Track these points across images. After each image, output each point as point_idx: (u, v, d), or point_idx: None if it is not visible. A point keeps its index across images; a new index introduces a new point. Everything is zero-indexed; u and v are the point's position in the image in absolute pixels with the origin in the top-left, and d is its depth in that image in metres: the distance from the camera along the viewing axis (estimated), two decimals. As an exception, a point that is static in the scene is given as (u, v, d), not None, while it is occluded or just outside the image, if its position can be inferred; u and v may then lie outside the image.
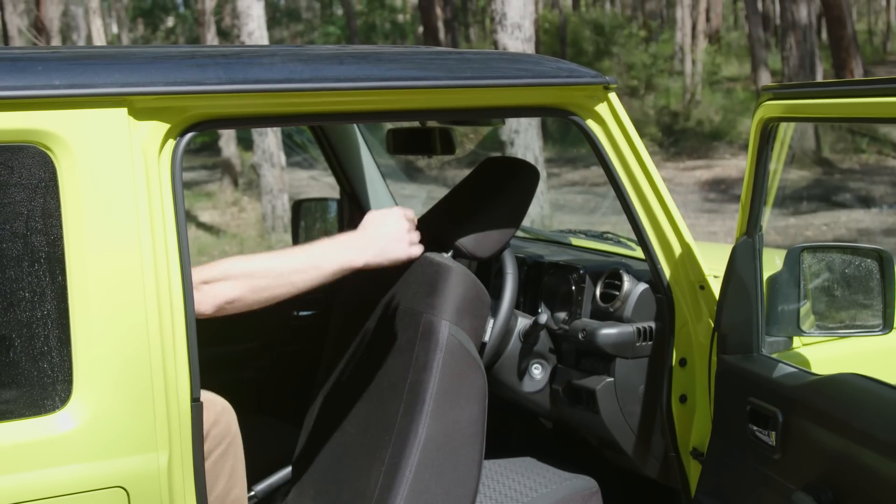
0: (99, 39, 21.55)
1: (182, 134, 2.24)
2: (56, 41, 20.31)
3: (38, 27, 19.85)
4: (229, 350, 3.65)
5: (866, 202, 14.10)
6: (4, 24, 20.29)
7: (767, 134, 2.66)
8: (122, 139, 2.12)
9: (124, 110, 2.13)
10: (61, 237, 2.06)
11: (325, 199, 4.47)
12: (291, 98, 2.36)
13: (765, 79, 21.69)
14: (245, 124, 2.44)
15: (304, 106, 2.41)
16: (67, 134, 2.06)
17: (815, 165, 17.56)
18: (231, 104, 2.30)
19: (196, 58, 2.37)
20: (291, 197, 13.28)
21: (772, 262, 2.86)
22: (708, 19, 32.83)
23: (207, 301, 2.36)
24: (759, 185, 2.71)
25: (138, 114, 2.16)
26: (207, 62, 2.32)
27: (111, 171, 2.10)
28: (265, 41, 13.37)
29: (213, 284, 2.38)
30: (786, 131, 2.79)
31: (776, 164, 2.84)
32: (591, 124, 2.75)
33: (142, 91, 2.15)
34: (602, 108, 2.74)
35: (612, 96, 2.75)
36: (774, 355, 2.81)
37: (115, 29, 46.30)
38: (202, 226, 16.09)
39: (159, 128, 2.19)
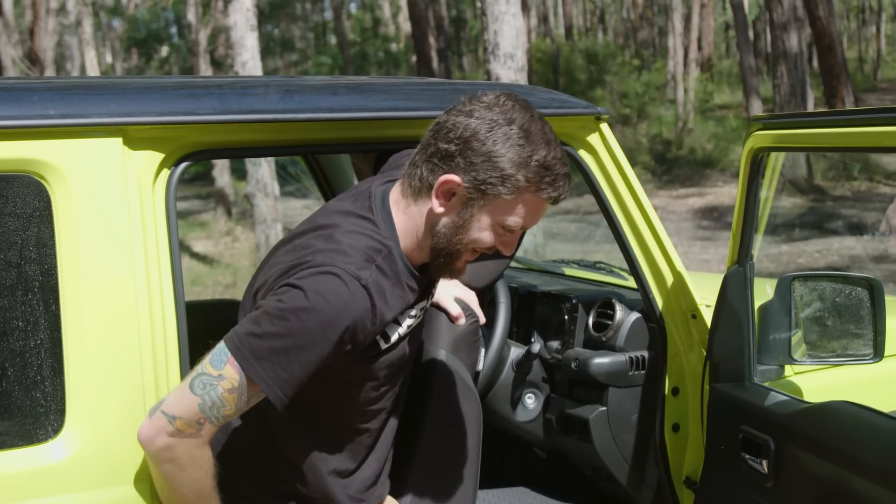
0: (93, 69, 21.62)
1: (176, 163, 2.25)
2: (50, 71, 20.35)
3: (32, 58, 19.89)
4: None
5: (858, 229, 14.13)
6: (-2, 55, 20.31)
7: (758, 164, 2.68)
8: (117, 168, 2.13)
9: (119, 140, 2.14)
10: (55, 266, 2.06)
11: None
12: (285, 128, 2.37)
13: (756, 106, 21.79)
14: (239, 154, 2.46)
15: (298, 136, 2.42)
16: (62, 163, 2.07)
17: (807, 193, 17.62)
18: (225, 134, 2.31)
19: (190, 88, 2.38)
20: (285, 227, 13.29)
21: (763, 291, 2.87)
22: (700, 48, 33.00)
23: (154, 430, 1.98)
24: (749, 214, 2.72)
25: (133, 143, 2.17)
26: (202, 92, 2.33)
27: (105, 201, 2.11)
28: (259, 71, 13.39)
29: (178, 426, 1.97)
30: (776, 160, 2.81)
31: (767, 193, 2.85)
32: (583, 154, 2.76)
33: (136, 121, 2.16)
34: (594, 139, 2.76)
35: (604, 127, 2.77)
36: (766, 384, 2.82)
37: (109, 59, 46.41)
38: (196, 255, 16.08)
39: (154, 157, 2.20)
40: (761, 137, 2.64)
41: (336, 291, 1.98)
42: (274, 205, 13.90)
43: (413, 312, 2.25)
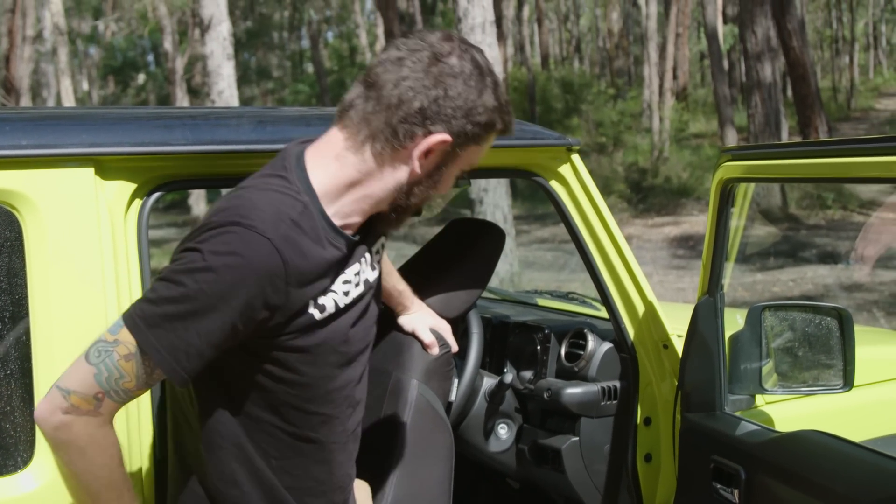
0: (69, 97, 21.58)
1: (149, 193, 2.25)
2: (26, 99, 20.30)
3: (7, 86, 19.84)
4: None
5: (832, 258, 14.23)
6: (-27, 84, 20.26)
7: (727, 194, 2.70)
8: (89, 198, 2.13)
9: (91, 170, 2.15)
10: (26, 296, 2.06)
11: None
12: (257, 159, 2.36)
13: (731, 136, 21.93)
14: (211, 184, 2.46)
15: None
16: (34, 193, 2.07)
17: (781, 222, 17.73)
18: (198, 164, 2.31)
19: (163, 119, 2.39)
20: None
21: (734, 321, 2.89)
22: (675, 77, 33.21)
23: (48, 408, 1.79)
24: (719, 244, 2.74)
25: (105, 173, 2.17)
26: (174, 123, 2.33)
27: (77, 231, 2.11)
28: (235, 100, 13.41)
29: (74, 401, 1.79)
30: (746, 190, 2.83)
31: (738, 222, 2.88)
32: (555, 185, 2.78)
33: (109, 151, 2.16)
34: (565, 170, 2.78)
35: (575, 157, 2.79)
36: (737, 413, 2.83)
37: (85, 86, 46.34)
38: (171, 283, 15.99)
39: (126, 187, 2.21)
40: (730, 168, 2.66)
41: (236, 250, 1.78)
42: (250, 233, 13.86)
43: (347, 278, 2.00)
